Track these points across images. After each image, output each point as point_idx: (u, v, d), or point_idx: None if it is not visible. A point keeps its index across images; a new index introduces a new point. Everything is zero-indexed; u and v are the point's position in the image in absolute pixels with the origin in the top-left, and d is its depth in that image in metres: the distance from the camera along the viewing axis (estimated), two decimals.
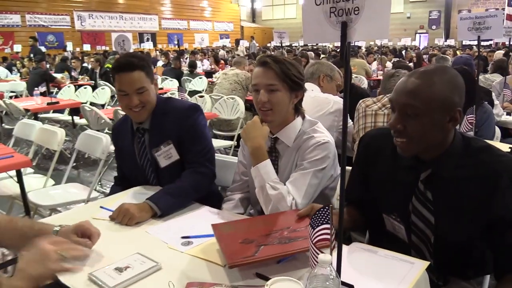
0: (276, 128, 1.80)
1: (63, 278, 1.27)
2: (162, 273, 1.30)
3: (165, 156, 1.96)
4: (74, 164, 5.25)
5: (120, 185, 2.15)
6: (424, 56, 11.17)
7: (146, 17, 23.82)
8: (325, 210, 1.03)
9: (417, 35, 26.84)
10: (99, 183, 4.42)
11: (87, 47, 18.21)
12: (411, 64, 10.47)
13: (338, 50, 16.04)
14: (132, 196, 1.93)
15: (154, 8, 24.25)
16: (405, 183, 1.40)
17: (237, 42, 24.91)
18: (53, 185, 3.20)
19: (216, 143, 4.60)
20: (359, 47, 18.11)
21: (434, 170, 1.34)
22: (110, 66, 9.32)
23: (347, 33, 0.90)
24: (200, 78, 8.33)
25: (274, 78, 1.69)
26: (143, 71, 1.89)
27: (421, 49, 18.67)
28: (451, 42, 20.11)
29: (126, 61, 1.88)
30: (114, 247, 1.47)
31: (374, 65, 10.12)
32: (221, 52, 16.30)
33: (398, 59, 9.74)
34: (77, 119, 6.00)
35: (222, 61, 11.82)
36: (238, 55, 11.83)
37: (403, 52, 14.79)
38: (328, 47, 18.42)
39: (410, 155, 1.36)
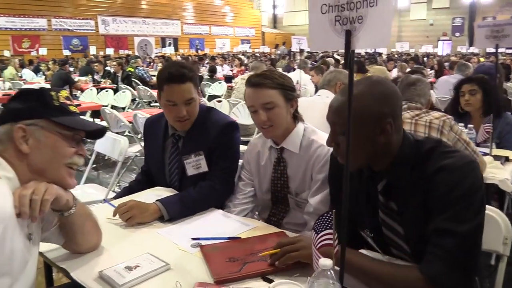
0: (280, 139, 1.82)
1: (75, 275, 1.32)
2: (171, 273, 1.33)
3: (194, 165, 1.97)
4: (95, 165, 5.40)
5: (143, 174, 2.23)
6: (446, 64, 11.00)
7: (168, 22, 24.15)
8: (328, 215, 1.04)
9: (440, 42, 26.47)
10: (118, 184, 4.50)
11: (110, 51, 18.56)
12: (432, 72, 10.37)
13: (360, 57, 15.96)
14: (149, 196, 1.96)
15: (177, 13, 24.58)
16: (369, 196, 1.38)
17: (276, 46, 26.54)
18: None
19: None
20: (380, 54, 17.97)
21: (389, 180, 1.32)
22: (132, 70, 9.51)
23: (351, 41, 0.92)
24: (220, 83, 8.41)
25: (268, 95, 1.72)
26: (192, 83, 1.90)
27: (443, 56, 18.40)
28: (475, 49, 19.76)
29: (178, 72, 1.86)
30: (125, 247, 1.52)
31: (394, 72, 10.02)
32: (241, 57, 16.40)
33: (418, 66, 9.62)
34: (97, 121, 6.13)
35: (242, 67, 11.91)
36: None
37: (425, 59, 14.61)
38: None
39: (354, 169, 1.33)
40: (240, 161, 2.08)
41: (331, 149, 1.68)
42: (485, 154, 2.63)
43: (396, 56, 16.90)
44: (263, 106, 1.73)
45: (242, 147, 5.09)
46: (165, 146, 2.08)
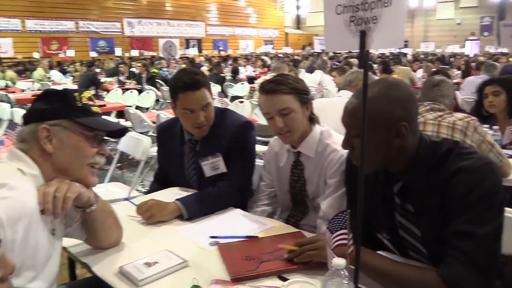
0: (297, 142, 1.81)
1: (96, 270, 1.36)
2: (189, 270, 1.36)
3: (211, 167, 1.99)
4: (119, 164, 5.51)
5: (158, 181, 2.23)
6: (474, 64, 10.75)
7: (192, 23, 24.43)
8: (343, 215, 1.04)
9: (468, 42, 25.85)
10: (141, 183, 4.58)
11: (135, 53, 18.89)
12: (459, 72, 10.15)
13: (385, 57, 15.77)
14: (167, 195, 2.00)
15: (201, 15, 24.83)
16: (385, 198, 1.37)
17: (303, 47, 26.70)
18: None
19: (257, 148, 4.64)
20: (405, 54, 17.70)
21: (405, 182, 1.30)
22: (156, 71, 9.65)
23: (366, 41, 0.92)
24: (242, 83, 8.45)
25: (283, 101, 1.70)
26: (206, 87, 1.90)
27: (471, 56, 17.98)
28: (504, 49, 19.21)
29: (192, 79, 1.86)
30: (145, 243, 1.56)
31: (420, 72, 9.86)
32: (264, 58, 16.43)
33: (444, 66, 9.44)
34: (122, 121, 6.25)
35: (265, 68, 11.93)
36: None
37: (451, 59, 14.32)
38: (374, 54, 18.14)
39: (368, 172, 1.32)
40: (260, 161, 2.09)
41: (345, 155, 1.67)
42: (511, 156, 2.57)
43: (421, 56, 16.61)
44: (279, 113, 1.71)
45: (262, 148, 5.12)
46: (183, 151, 2.09)
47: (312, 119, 1.83)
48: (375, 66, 9.94)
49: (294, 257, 1.34)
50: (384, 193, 1.38)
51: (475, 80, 5.80)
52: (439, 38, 25.24)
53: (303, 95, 1.75)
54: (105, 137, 1.33)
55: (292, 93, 1.71)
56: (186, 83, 1.86)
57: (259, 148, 4.88)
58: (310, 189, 1.84)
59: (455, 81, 7.89)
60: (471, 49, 24.49)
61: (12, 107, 4.45)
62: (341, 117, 1.33)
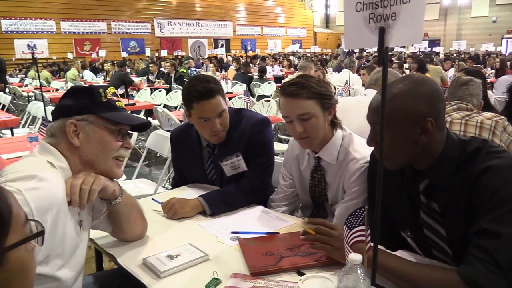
0: (318, 147, 1.76)
1: (121, 261, 1.41)
2: (209, 264, 1.39)
3: (232, 166, 2.01)
4: (146, 162, 5.63)
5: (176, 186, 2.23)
6: (509, 63, 10.40)
7: (221, 23, 24.60)
8: (361, 211, 1.05)
9: (504, 40, 25.00)
10: (168, 180, 4.67)
11: (164, 53, 19.17)
12: (492, 71, 9.84)
13: (414, 56, 15.45)
14: (189, 192, 2.05)
15: (229, 15, 24.98)
16: (410, 196, 1.36)
17: (338, 45, 26.46)
18: (125, 180, 3.45)
19: (280, 147, 4.66)
20: (437, 53, 17.28)
21: (431, 180, 1.28)
22: (185, 70, 9.78)
23: (385, 38, 0.92)
24: (269, 83, 8.45)
25: (304, 107, 1.63)
26: (220, 94, 1.88)
27: (507, 54, 17.38)
28: None
29: (206, 88, 1.83)
30: (168, 237, 1.60)
31: (451, 72, 9.61)
32: (291, 58, 16.38)
33: (476, 66, 9.17)
34: (150, 119, 6.37)
35: (291, 68, 11.90)
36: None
37: (486, 58, 13.89)
38: (404, 53, 17.80)
39: (394, 169, 1.31)
40: (281, 159, 2.10)
41: (366, 165, 1.66)
42: None
43: (454, 55, 16.18)
44: (298, 117, 1.64)
45: (285, 146, 5.11)
46: (202, 156, 2.09)
47: (334, 124, 1.76)
48: (405, 65, 9.76)
49: (308, 241, 1.35)
50: (409, 191, 1.37)
51: (509, 79, 5.62)
52: (474, 37, 24.51)
53: (325, 100, 1.66)
54: (130, 131, 1.38)
55: (313, 98, 1.63)
56: (200, 92, 1.83)
57: (284, 147, 4.91)
58: (330, 194, 1.81)
59: (489, 80, 7.65)
60: (506, 47, 23.69)
61: (46, 105, 4.61)
62: (366, 114, 1.33)
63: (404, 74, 6.09)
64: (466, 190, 1.19)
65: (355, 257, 0.95)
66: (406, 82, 1.26)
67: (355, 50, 19.97)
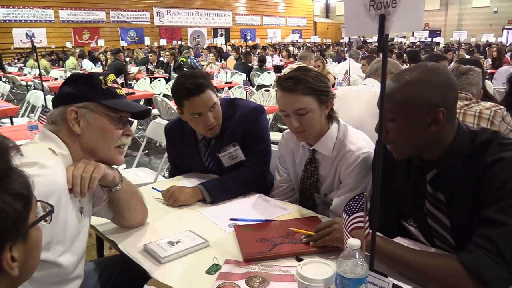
0: (313, 140, 1.77)
1: (122, 247, 1.43)
2: (209, 250, 1.41)
3: (229, 157, 2.02)
4: (146, 151, 5.64)
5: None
6: (509, 54, 10.37)
7: (220, 13, 24.43)
8: (360, 198, 1.06)
9: (505, 31, 24.87)
10: (168, 169, 4.68)
11: (163, 42, 19.08)
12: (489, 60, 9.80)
13: (414, 46, 15.40)
14: (189, 180, 2.06)
15: (229, 4, 24.79)
16: (416, 185, 1.36)
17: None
18: (125, 168, 3.46)
19: (279, 136, 4.66)
20: (438, 43, 17.22)
21: (439, 170, 1.28)
22: (184, 59, 9.75)
23: (385, 25, 0.92)
24: (269, 73, 8.44)
25: (301, 102, 1.62)
26: (209, 88, 1.87)
27: (507, 45, 17.30)
28: None
29: (195, 84, 1.83)
30: (169, 224, 1.62)
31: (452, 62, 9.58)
32: (291, 48, 16.31)
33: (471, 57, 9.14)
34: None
35: (291, 58, 11.85)
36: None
37: (486, 48, 13.83)
38: (405, 43, 17.73)
39: (403, 158, 1.32)
40: (276, 147, 2.10)
41: (362, 156, 1.66)
42: None
43: (455, 46, 16.12)
44: (295, 112, 1.64)
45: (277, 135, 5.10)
46: (199, 149, 2.10)
47: (331, 117, 1.76)
48: (396, 51, 9.72)
49: (311, 241, 1.36)
50: (415, 181, 1.36)
51: (509, 69, 5.61)
52: (474, 27, 24.38)
53: (322, 95, 1.66)
54: (131, 119, 1.38)
55: (310, 94, 1.63)
56: (189, 88, 1.83)
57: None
58: (323, 187, 1.82)
59: (488, 71, 7.64)
60: (507, 38, 23.57)
61: (45, 94, 4.61)
62: (377, 101, 1.32)
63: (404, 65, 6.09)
64: (474, 181, 1.19)
65: (353, 242, 0.97)
66: (419, 70, 1.24)
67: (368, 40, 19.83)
